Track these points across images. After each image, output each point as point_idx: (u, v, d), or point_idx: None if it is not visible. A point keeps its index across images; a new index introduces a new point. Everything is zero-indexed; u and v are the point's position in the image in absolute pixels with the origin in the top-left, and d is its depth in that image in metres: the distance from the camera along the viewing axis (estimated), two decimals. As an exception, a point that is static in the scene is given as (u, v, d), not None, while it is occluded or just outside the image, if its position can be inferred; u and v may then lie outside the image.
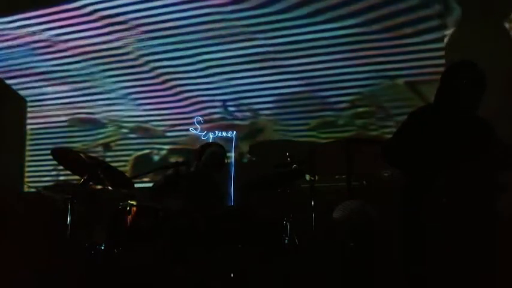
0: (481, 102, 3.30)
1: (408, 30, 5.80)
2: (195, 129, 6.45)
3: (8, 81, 7.52)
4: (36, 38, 7.31)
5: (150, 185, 5.25)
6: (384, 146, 3.47)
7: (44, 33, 7.27)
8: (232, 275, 3.87)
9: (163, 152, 6.75)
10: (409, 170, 3.35)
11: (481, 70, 3.30)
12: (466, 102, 3.26)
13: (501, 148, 3.22)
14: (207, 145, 5.07)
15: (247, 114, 6.43)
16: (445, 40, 5.70)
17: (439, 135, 3.21)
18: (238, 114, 6.44)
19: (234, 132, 6.34)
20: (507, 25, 5.53)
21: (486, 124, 3.37)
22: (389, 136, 3.80)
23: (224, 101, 6.49)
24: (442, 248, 3.05)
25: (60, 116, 7.24)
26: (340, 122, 6.09)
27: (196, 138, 6.32)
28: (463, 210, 3.06)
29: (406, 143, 3.29)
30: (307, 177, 4.81)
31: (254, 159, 6.28)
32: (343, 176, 5.38)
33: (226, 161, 5.06)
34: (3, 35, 7.49)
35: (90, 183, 4.20)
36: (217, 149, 4.97)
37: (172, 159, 6.22)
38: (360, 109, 6.00)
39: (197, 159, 4.90)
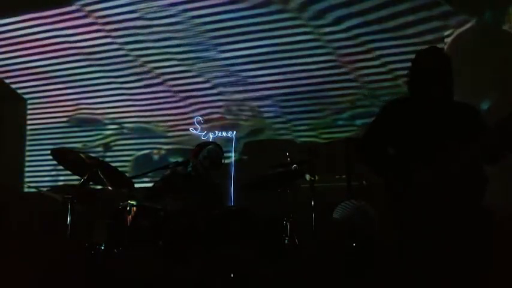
0: (453, 86, 3.11)
1: (409, 31, 5.80)
2: (195, 129, 6.46)
3: (8, 81, 7.52)
4: (36, 38, 7.31)
5: (150, 185, 5.25)
6: (356, 143, 3.37)
7: (44, 33, 7.27)
8: (232, 275, 3.86)
9: (163, 152, 6.76)
10: (380, 168, 3.20)
11: (441, 52, 3.21)
12: (431, 84, 3.07)
13: (487, 133, 2.92)
14: (204, 144, 5.06)
15: (247, 114, 6.43)
16: (446, 41, 5.70)
17: (414, 124, 3.07)
18: (238, 115, 6.45)
19: (234, 132, 6.34)
20: (507, 26, 5.53)
21: (467, 108, 3.18)
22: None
23: (224, 101, 6.51)
24: (429, 247, 2.99)
25: (60, 116, 7.25)
26: (340, 122, 6.10)
27: (196, 138, 6.32)
28: (445, 207, 2.94)
29: (378, 138, 3.17)
30: (307, 177, 4.81)
31: (253, 159, 6.27)
32: (343, 176, 5.38)
33: (223, 160, 5.04)
34: (3, 36, 7.49)
35: (90, 183, 4.20)
36: (214, 148, 4.96)
37: (172, 159, 6.22)
38: (360, 109, 6.00)
39: (194, 158, 4.89)
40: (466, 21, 5.65)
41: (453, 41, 5.66)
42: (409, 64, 3.24)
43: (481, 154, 2.96)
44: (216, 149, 4.96)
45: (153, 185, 4.99)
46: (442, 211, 2.95)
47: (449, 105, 3.13)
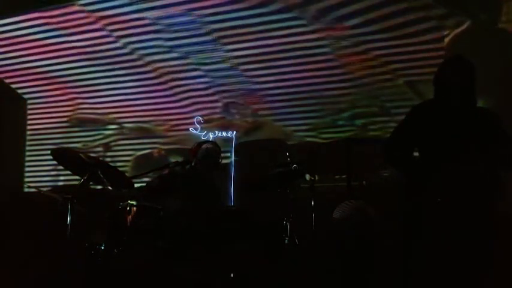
0: (476, 94, 3.27)
1: (408, 31, 5.80)
2: (195, 129, 6.45)
3: (8, 81, 7.52)
4: (36, 38, 7.31)
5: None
6: (383, 144, 3.46)
7: (44, 33, 7.27)
8: (232, 275, 3.87)
9: (163, 152, 6.76)
10: (405, 169, 3.33)
11: (467, 61, 3.29)
12: (456, 94, 3.22)
13: (505, 141, 3.13)
14: (202, 143, 5.06)
15: (248, 114, 6.43)
16: (445, 40, 5.70)
17: (438, 130, 3.20)
18: (238, 114, 6.45)
19: (234, 132, 6.34)
20: (506, 25, 5.53)
21: (488, 115, 3.31)
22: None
23: (224, 101, 6.51)
24: (437, 248, 3.04)
25: (60, 116, 7.25)
26: (340, 122, 6.10)
27: (196, 138, 6.31)
28: (459, 210, 3.03)
29: (404, 140, 3.30)
30: (307, 177, 4.81)
31: (253, 159, 6.27)
32: (343, 176, 5.38)
33: (220, 159, 5.05)
34: (3, 36, 7.49)
35: (90, 183, 4.21)
36: (212, 147, 4.97)
37: (173, 159, 6.22)
38: (360, 109, 6.00)
39: (192, 157, 4.89)
40: (464, 22, 5.65)
41: (450, 41, 5.66)
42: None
43: (499, 161, 3.10)
44: (215, 148, 4.97)
45: (149, 183, 4.97)
46: (459, 214, 3.03)
47: (472, 113, 3.25)
